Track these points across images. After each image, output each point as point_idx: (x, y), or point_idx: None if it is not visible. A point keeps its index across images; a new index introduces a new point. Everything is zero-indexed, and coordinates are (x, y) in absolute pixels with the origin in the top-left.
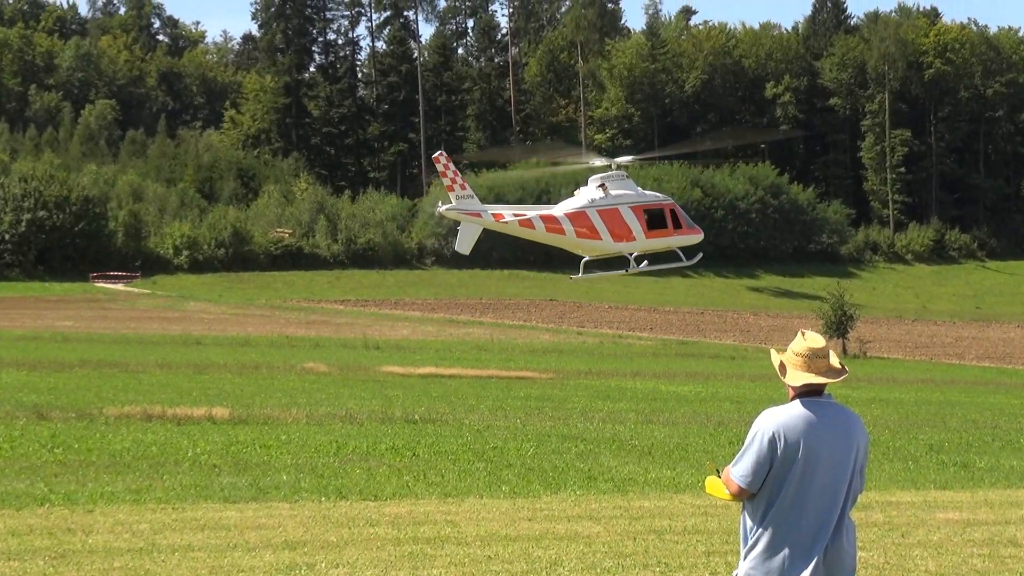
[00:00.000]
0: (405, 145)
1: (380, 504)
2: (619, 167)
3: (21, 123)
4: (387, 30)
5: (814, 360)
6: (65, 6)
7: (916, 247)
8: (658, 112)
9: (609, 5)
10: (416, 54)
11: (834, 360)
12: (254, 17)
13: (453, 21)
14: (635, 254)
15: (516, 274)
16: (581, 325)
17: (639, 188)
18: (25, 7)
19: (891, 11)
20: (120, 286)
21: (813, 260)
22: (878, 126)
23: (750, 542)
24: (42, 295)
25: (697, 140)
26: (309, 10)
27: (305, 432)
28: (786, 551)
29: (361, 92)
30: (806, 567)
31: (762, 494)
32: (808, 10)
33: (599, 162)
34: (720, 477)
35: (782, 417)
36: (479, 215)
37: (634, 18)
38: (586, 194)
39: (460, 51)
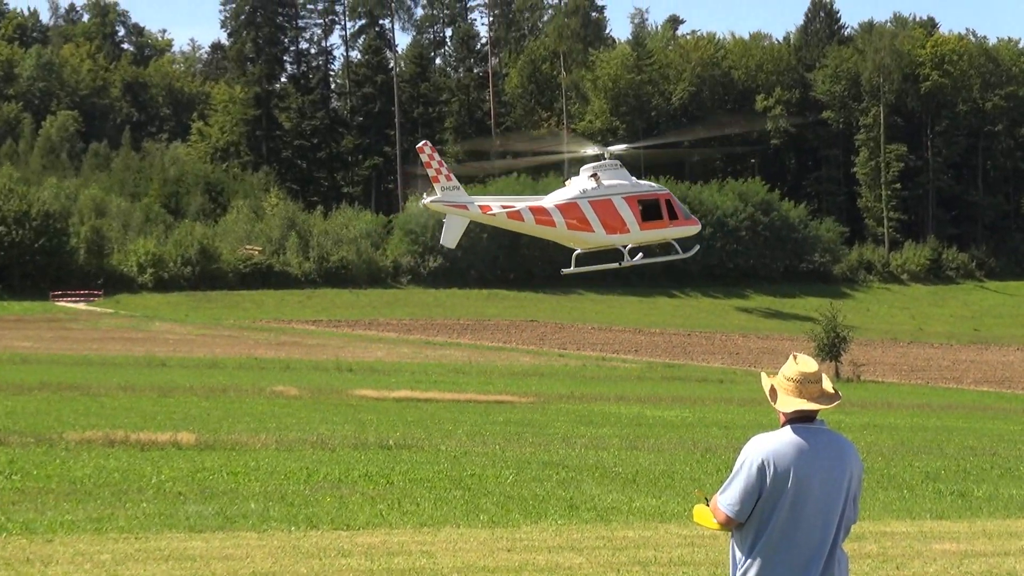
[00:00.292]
0: (380, 159)
1: (353, 534)
2: (612, 156)
3: None
4: (362, 39)
5: (806, 385)
6: (26, 13)
7: (912, 266)
8: (644, 125)
9: (593, 14)
10: (392, 64)
11: (827, 385)
12: (223, 25)
13: (431, 30)
14: (629, 246)
15: (495, 294)
16: (563, 347)
17: (633, 178)
18: None
19: (886, 21)
20: (82, 305)
21: (805, 280)
22: (873, 140)
23: (739, 574)
24: (0, 314)
25: (688, 130)
26: (281, 18)
27: (275, 458)
28: None
29: (334, 103)
30: None
31: (751, 524)
32: (800, 20)
33: (591, 151)
34: (708, 506)
35: (772, 444)
36: (465, 207)
37: (619, 27)
38: (578, 184)
39: (438, 61)
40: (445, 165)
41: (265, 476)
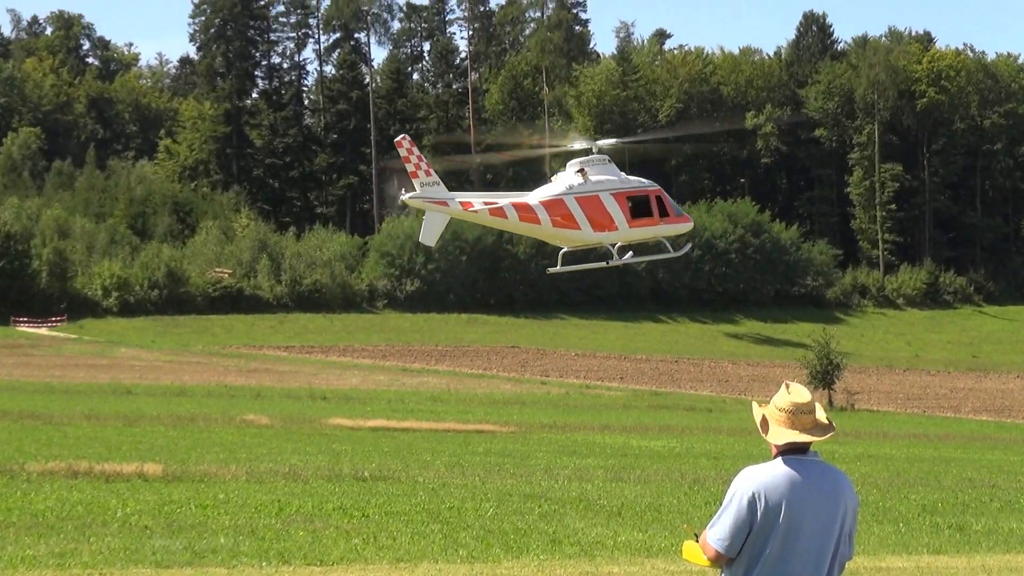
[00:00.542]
0: (355, 178)
1: (326, 569)
2: (600, 151)
3: None
4: (336, 53)
5: (798, 416)
6: None
7: (908, 290)
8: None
9: (577, 28)
10: (368, 79)
11: (820, 415)
12: (192, 38)
13: (408, 44)
14: (618, 245)
15: (475, 319)
16: (545, 374)
17: (623, 174)
18: None
19: (881, 35)
20: (44, 330)
21: (797, 304)
22: (867, 159)
23: None
24: None
25: (673, 127)
26: (252, 31)
27: (245, 490)
28: None
29: (308, 120)
30: None
31: (741, 560)
32: (792, 34)
33: (579, 145)
34: (698, 541)
35: (763, 477)
36: (446, 203)
37: (604, 42)
38: (564, 180)
39: (415, 76)
40: (425, 160)
41: (235, 509)
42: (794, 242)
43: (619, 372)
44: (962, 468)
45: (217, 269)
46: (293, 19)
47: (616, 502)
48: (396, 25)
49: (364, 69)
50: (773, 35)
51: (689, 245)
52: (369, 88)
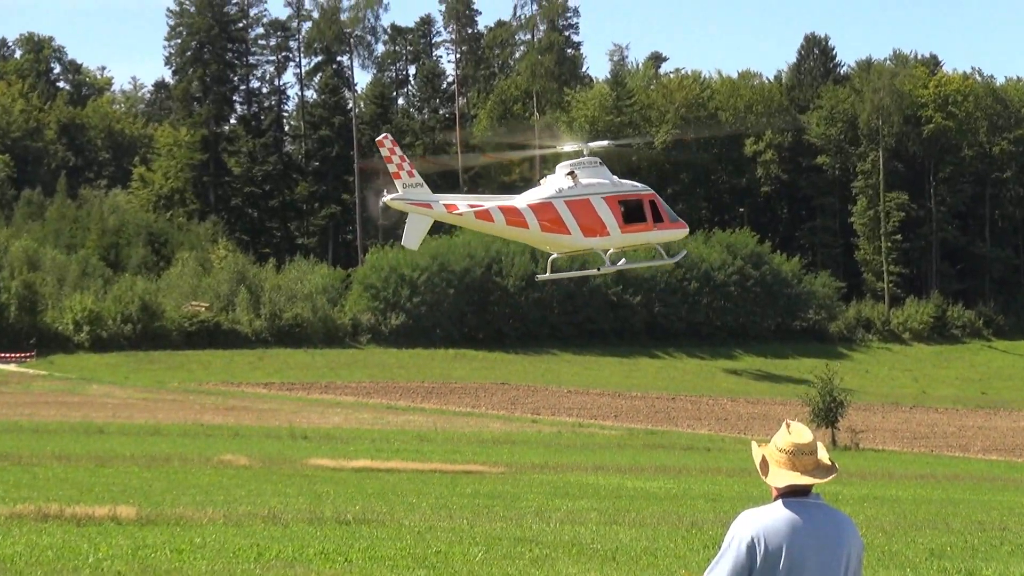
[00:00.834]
0: (338, 207)
1: None
2: (592, 153)
3: None
4: (318, 77)
5: (800, 457)
6: None
7: (914, 324)
8: (623, 170)
9: (569, 51)
10: (351, 104)
11: (823, 456)
12: (167, 62)
13: (392, 67)
14: (610, 251)
15: (463, 354)
16: (536, 412)
17: (615, 177)
18: None
19: (886, 59)
20: (12, 366)
21: (798, 339)
22: (871, 188)
23: None
24: None
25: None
26: (230, 54)
27: (222, 534)
28: None
29: (288, 147)
30: None
31: None
32: (792, 57)
33: (569, 147)
34: None
35: (763, 520)
36: (429, 206)
37: (597, 65)
38: (553, 183)
39: (400, 101)
40: (408, 160)
41: (212, 554)
42: (795, 274)
43: (613, 410)
44: (971, 510)
45: (193, 303)
46: (273, 42)
47: (610, 546)
48: (380, 48)
49: (347, 94)
50: (773, 59)
51: (684, 252)
52: (352, 114)
